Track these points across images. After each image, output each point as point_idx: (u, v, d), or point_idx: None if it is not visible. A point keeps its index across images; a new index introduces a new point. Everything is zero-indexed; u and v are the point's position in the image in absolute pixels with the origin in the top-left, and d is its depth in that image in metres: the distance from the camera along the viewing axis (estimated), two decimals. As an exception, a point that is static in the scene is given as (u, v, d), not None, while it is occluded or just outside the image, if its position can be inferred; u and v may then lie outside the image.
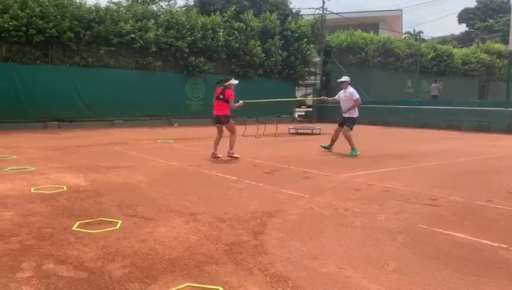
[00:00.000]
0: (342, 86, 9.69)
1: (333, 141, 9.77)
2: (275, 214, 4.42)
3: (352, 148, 9.19)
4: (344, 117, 9.49)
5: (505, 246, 3.56)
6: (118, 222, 4.05)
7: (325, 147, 9.93)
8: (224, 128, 8.58)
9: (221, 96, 8.38)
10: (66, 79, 15.98)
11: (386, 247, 3.52)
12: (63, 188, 5.55)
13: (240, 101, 8.94)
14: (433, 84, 24.09)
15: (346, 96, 9.50)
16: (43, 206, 4.65)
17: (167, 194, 5.33)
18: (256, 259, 3.20)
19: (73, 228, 3.87)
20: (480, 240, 3.71)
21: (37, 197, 5.07)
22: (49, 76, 15.62)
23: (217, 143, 8.57)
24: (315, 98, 9.30)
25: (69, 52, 16.11)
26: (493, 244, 3.61)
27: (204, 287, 2.72)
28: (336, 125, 9.82)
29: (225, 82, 8.49)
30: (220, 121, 8.49)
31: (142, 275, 2.88)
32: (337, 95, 9.90)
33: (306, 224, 4.12)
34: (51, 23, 15.00)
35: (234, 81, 8.59)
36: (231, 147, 8.47)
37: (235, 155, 8.43)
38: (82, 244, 3.48)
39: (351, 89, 9.53)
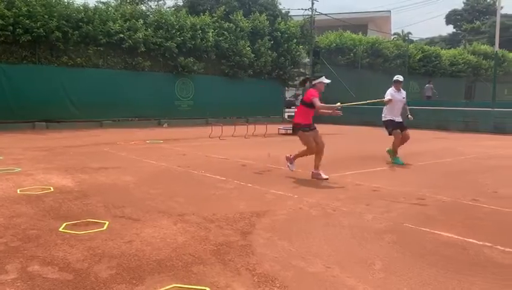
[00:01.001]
0: (396, 86, 8.38)
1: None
2: (263, 214, 4.43)
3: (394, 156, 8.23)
4: (400, 122, 8.33)
5: (489, 244, 3.60)
6: (105, 223, 4.03)
7: (398, 163, 8.19)
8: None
9: (302, 100, 6.64)
10: (54, 79, 15.81)
11: (373, 246, 3.54)
12: (50, 189, 5.50)
13: (338, 103, 7.00)
14: (426, 85, 24.35)
15: (404, 98, 8.46)
16: (29, 207, 4.60)
17: (155, 195, 5.31)
18: (244, 259, 3.20)
19: (60, 229, 3.84)
20: (465, 239, 3.75)
21: (23, 198, 5.01)
22: (37, 76, 15.45)
23: (316, 160, 6.62)
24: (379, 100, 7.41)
25: (56, 52, 15.94)
26: (478, 243, 3.65)
27: (191, 288, 2.72)
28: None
29: (313, 81, 6.67)
30: (294, 130, 6.89)
31: (128, 276, 2.87)
32: (389, 95, 8.32)
33: (294, 224, 4.13)
34: (38, 23, 14.83)
35: (324, 80, 6.53)
36: (315, 166, 6.53)
37: (322, 176, 6.40)
38: (68, 245, 3.44)
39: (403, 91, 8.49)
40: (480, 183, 6.40)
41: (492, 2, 53.35)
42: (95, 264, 3.07)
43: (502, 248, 3.52)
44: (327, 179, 6.38)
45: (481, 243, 3.64)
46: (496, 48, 20.29)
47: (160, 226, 3.98)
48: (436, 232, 3.93)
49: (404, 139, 8.33)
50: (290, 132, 15.55)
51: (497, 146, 12.01)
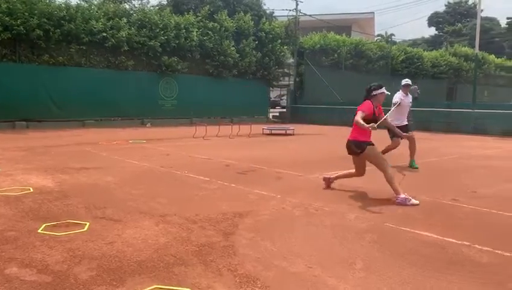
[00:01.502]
0: (404, 90, 8.53)
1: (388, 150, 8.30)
2: (246, 215, 4.43)
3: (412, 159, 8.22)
4: (405, 124, 8.39)
5: (467, 243, 3.67)
6: (85, 224, 3.98)
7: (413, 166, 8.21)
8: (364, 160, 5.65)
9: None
10: (35, 78, 15.56)
11: (354, 246, 3.57)
12: (30, 189, 5.40)
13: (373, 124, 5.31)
14: (412, 87, 24.61)
15: (411, 102, 8.57)
16: (8, 208, 4.52)
17: (137, 195, 5.26)
18: (226, 260, 3.19)
19: (39, 231, 3.78)
20: (445, 238, 3.81)
21: (2, 199, 4.91)
22: (17, 74, 15.19)
23: (346, 176, 6.02)
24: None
25: (37, 50, 15.69)
26: (457, 242, 3.71)
27: (172, 289, 2.70)
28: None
29: (373, 91, 5.60)
30: (350, 149, 5.64)
31: (109, 278, 2.84)
32: (398, 99, 8.36)
33: (277, 224, 4.14)
34: (18, 20, 14.58)
35: (383, 91, 5.63)
36: (395, 190, 5.21)
37: (412, 202, 5.04)
38: (47, 247, 3.39)
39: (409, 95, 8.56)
40: (460, 183, 6.52)
41: (473, 5, 54.35)
42: (75, 265, 3.03)
43: (480, 247, 3.58)
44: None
45: (460, 242, 3.71)
46: (476, 50, 20.69)
47: (142, 227, 3.94)
48: (416, 231, 3.99)
49: (411, 142, 8.28)
50: (274, 132, 15.62)
51: (477, 146, 12.24)
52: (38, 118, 15.78)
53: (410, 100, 8.58)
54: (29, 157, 8.25)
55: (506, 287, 2.86)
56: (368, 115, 5.42)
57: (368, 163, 5.70)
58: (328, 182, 6.02)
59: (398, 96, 8.38)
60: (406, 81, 8.61)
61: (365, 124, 5.24)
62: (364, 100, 5.65)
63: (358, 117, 5.33)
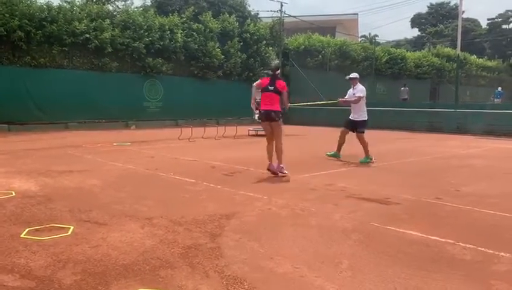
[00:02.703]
0: (352, 82, 8.64)
1: (340, 145, 8.84)
2: (232, 216, 4.42)
3: (366, 156, 8.42)
4: (353, 120, 8.58)
5: (451, 241, 3.72)
6: (69, 228, 3.92)
7: (332, 155, 8.88)
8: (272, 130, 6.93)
9: (270, 88, 6.82)
10: (16, 80, 15.31)
11: (340, 246, 3.60)
12: (12, 193, 5.31)
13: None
14: (402, 88, 25.04)
15: (355, 94, 8.54)
16: (-11, 213, 4.43)
17: (122, 198, 5.21)
18: (212, 262, 3.18)
19: (22, 235, 3.71)
20: (429, 236, 3.86)
21: (-17, 204, 4.82)
22: (-2, 76, 14.92)
23: (271, 152, 6.97)
24: (329, 101, 7.54)
25: (19, 52, 15.44)
26: (441, 240, 3.77)
27: (158, 292, 2.69)
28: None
29: (276, 71, 7.00)
30: (270, 117, 6.84)
31: (94, 282, 2.80)
32: (347, 95, 8.86)
33: (263, 225, 4.15)
34: (-2, 22, 14.34)
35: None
36: (280, 158, 6.82)
37: (283, 170, 6.78)
38: (31, 252, 3.34)
39: (360, 87, 8.53)
40: (443, 182, 6.61)
41: (454, 6, 55.20)
42: (59, 270, 2.99)
43: (464, 245, 3.64)
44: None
45: (444, 240, 3.76)
46: (458, 50, 20.99)
47: (128, 230, 3.91)
48: (400, 230, 4.03)
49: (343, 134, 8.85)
50: (260, 133, 15.61)
51: (459, 146, 12.43)
52: (20, 121, 15.51)
53: (355, 92, 8.54)
54: (11, 161, 8.10)
55: (490, 283, 2.91)
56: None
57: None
58: (272, 167, 6.89)
59: (363, 89, 8.60)
60: (352, 75, 8.75)
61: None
62: (273, 79, 6.90)
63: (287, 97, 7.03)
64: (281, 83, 6.86)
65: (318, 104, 9.04)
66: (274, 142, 6.93)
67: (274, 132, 6.88)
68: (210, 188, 5.90)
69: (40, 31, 15.50)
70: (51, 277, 2.87)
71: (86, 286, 2.74)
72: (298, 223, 4.22)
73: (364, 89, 8.57)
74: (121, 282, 2.81)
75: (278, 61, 6.60)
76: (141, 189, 5.81)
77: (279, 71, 7.07)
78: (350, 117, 8.68)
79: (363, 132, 8.44)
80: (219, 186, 5.97)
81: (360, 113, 8.51)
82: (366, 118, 8.56)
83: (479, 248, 3.57)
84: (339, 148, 8.85)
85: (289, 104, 7.16)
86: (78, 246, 3.48)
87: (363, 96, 8.43)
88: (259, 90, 7.01)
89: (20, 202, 4.90)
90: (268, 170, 6.88)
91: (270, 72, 7.12)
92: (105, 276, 2.90)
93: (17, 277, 2.87)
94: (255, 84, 7.32)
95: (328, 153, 8.99)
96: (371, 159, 8.43)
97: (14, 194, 5.30)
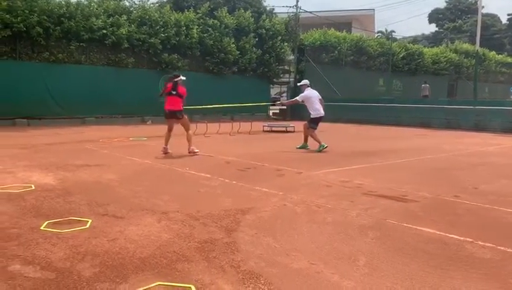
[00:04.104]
0: (303, 88, 10.12)
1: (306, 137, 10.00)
2: (248, 211, 4.43)
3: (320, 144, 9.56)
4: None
5: (470, 240, 3.67)
6: (88, 221, 3.98)
7: (301, 147, 9.98)
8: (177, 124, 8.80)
9: (173, 92, 8.52)
10: (35, 75, 15.53)
11: (356, 242, 3.58)
12: (31, 187, 5.41)
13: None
14: (423, 85, 24.99)
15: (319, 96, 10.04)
16: (10, 206, 4.52)
17: (139, 192, 5.26)
18: (228, 256, 3.20)
19: (42, 228, 3.78)
20: (447, 234, 3.81)
21: (4, 196, 4.92)
22: (17, 72, 15.16)
23: (168, 139, 8.77)
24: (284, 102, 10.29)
25: (38, 47, 15.66)
26: (459, 238, 3.72)
27: (175, 286, 2.71)
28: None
29: (175, 78, 8.67)
30: (175, 116, 8.65)
31: (112, 275, 2.84)
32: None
33: (279, 221, 4.14)
34: (18, 18, 14.56)
35: (183, 78, 8.84)
36: (190, 143, 8.74)
37: (196, 150, 8.68)
38: (50, 244, 3.40)
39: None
40: (461, 180, 6.51)
41: (473, 1, 54.23)
42: (78, 262, 3.03)
43: (482, 243, 3.59)
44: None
45: (462, 238, 3.71)
46: (477, 46, 20.63)
47: (144, 224, 3.95)
48: (418, 228, 3.99)
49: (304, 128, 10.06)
50: (275, 129, 15.60)
51: (478, 143, 12.23)
52: (39, 116, 15.76)
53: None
54: (31, 155, 8.25)
55: (509, 282, 2.86)
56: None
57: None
58: (165, 150, 8.56)
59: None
60: (302, 82, 10.31)
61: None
62: (175, 84, 8.56)
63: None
64: (181, 89, 8.55)
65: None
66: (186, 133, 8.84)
67: (184, 126, 8.73)
68: (225, 183, 5.92)
69: (58, 27, 15.70)
70: (70, 269, 2.92)
71: (104, 279, 2.78)
72: (314, 220, 4.21)
73: (303, 94, 9.96)
74: (139, 275, 2.84)
75: (178, 73, 9.23)
76: (158, 183, 5.86)
77: (178, 78, 8.59)
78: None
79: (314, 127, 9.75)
80: (234, 182, 5.98)
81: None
82: (314, 116, 9.82)
83: (499, 247, 3.51)
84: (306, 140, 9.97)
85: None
86: (96, 239, 3.53)
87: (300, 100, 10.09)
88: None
89: (40, 195, 4.98)
90: (163, 151, 8.53)
91: (174, 80, 8.62)
92: (123, 269, 2.94)
93: (37, 269, 2.92)
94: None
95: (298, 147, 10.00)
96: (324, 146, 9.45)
97: (33, 187, 5.40)
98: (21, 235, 3.58)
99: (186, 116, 8.80)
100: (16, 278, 2.77)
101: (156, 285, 2.70)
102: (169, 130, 8.81)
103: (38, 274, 2.83)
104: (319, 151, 9.30)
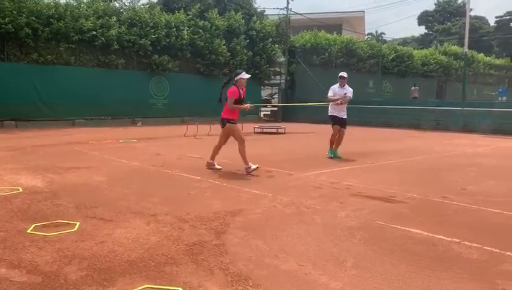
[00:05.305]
0: (341, 82, 9.01)
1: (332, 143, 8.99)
2: (237, 213, 4.42)
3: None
4: (343, 118, 8.96)
5: (457, 240, 3.70)
6: (75, 224, 3.94)
7: (334, 156, 8.84)
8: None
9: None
10: (24, 77, 15.39)
11: (345, 243, 3.59)
12: (19, 189, 5.35)
13: (248, 104, 7.34)
14: (412, 88, 25.53)
15: (346, 94, 8.92)
16: (-4, 209, 4.46)
17: (128, 195, 5.23)
18: (217, 259, 3.19)
19: (28, 231, 3.74)
20: (435, 235, 3.84)
21: (-10, 199, 4.86)
22: (5, 73, 15.03)
23: (216, 151, 7.38)
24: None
25: (26, 48, 15.53)
26: (447, 239, 3.75)
27: (163, 288, 2.69)
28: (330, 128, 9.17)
29: (234, 77, 7.15)
30: (222, 123, 7.16)
31: (99, 278, 2.82)
32: (331, 91, 9.18)
33: (268, 222, 4.15)
34: (6, 19, 14.44)
35: (242, 76, 7.08)
36: (244, 160, 6.95)
37: (252, 167, 6.84)
38: (37, 247, 3.36)
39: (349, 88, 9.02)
40: (449, 181, 6.57)
41: (462, 3, 54.77)
42: (65, 266, 3.01)
43: (469, 244, 3.62)
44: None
45: (449, 239, 3.74)
46: (466, 48, 20.81)
47: (133, 227, 3.92)
48: (406, 229, 4.01)
49: (340, 135, 8.95)
50: (266, 130, 15.63)
51: (467, 144, 12.35)
52: (27, 118, 15.61)
53: (346, 92, 8.89)
54: (18, 157, 8.16)
55: (495, 283, 2.89)
56: (235, 98, 6.94)
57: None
58: (210, 165, 7.26)
59: (332, 89, 9.09)
60: (342, 73, 9.08)
61: (240, 106, 7.03)
62: (231, 86, 7.07)
63: (231, 102, 6.92)
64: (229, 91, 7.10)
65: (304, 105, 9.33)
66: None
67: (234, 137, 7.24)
68: (215, 185, 5.91)
69: (47, 28, 15.58)
70: (57, 273, 2.89)
71: (91, 282, 2.75)
72: (303, 221, 4.21)
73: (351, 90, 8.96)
74: (126, 278, 2.82)
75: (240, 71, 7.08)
76: (147, 186, 5.83)
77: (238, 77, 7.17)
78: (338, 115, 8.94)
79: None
80: (224, 184, 5.97)
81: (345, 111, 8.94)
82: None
83: (485, 247, 3.54)
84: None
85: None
86: (84, 242, 3.50)
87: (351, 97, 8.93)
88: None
89: (27, 198, 4.93)
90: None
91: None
92: (110, 272, 2.92)
93: (23, 272, 2.89)
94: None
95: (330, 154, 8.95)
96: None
97: (20, 190, 5.34)
98: (7, 239, 3.54)
99: (231, 126, 7.12)
100: (1, 282, 2.73)
101: (144, 288, 2.69)
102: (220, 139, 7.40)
103: (24, 278, 2.80)
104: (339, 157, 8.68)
